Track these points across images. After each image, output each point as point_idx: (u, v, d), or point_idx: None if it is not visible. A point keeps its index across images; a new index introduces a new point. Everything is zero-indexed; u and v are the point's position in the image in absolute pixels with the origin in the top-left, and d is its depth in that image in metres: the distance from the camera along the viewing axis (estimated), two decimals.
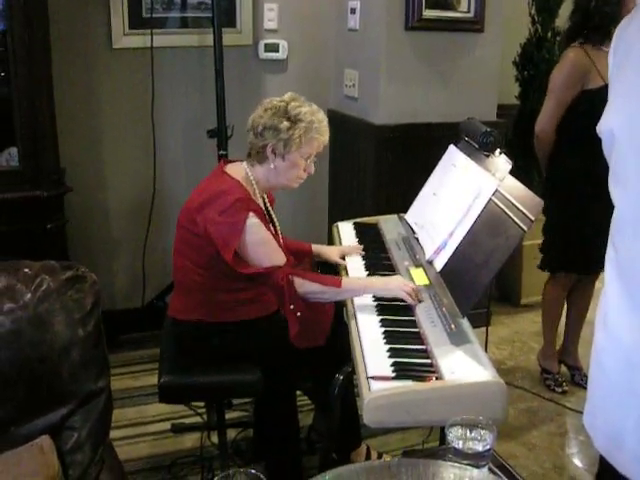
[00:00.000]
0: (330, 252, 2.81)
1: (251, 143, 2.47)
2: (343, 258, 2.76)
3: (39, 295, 1.71)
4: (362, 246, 2.82)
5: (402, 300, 2.27)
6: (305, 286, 2.34)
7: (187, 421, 3.14)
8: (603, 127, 1.32)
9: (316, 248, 2.85)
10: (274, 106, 2.43)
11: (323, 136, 2.47)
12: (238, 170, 2.51)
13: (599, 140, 1.37)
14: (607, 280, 1.34)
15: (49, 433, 1.68)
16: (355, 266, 2.68)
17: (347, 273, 2.63)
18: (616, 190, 1.31)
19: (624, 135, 1.26)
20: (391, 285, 2.35)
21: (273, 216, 2.64)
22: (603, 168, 1.38)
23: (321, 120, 2.45)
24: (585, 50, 3.14)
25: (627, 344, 1.25)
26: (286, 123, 2.39)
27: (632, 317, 1.24)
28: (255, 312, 2.51)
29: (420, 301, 2.28)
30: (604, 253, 1.36)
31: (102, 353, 1.83)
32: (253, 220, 2.33)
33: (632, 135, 1.23)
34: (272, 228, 2.55)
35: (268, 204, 2.64)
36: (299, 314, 2.33)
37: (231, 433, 3.00)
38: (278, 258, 2.39)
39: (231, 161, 2.60)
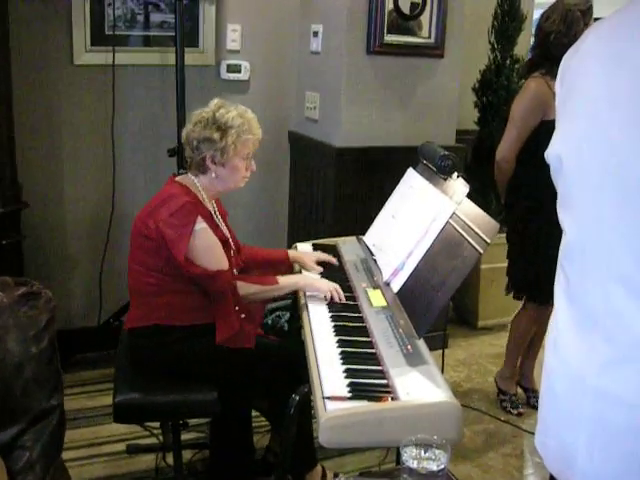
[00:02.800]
0: (307, 259, 2.87)
1: (190, 157, 2.56)
2: (319, 264, 2.83)
3: None
4: (322, 268, 2.82)
5: (360, 320, 2.29)
6: (245, 288, 2.50)
7: (142, 442, 3.10)
8: (551, 153, 1.34)
9: (292, 254, 2.92)
10: (202, 118, 2.51)
11: (256, 134, 2.55)
12: (186, 179, 2.59)
13: None
14: (557, 305, 1.35)
15: None
16: None
17: None
18: (564, 216, 1.33)
19: (571, 162, 1.28)
20: (317, 284, 2.55)
21: (222, 222, 2.68)
22: None
23: (250, 119, 2.53)
24: (546, 81, 3.16)
25: (576, 367, 1.27)
26: (217, 133, 2.46)
27: (581, 341, 1.26)
28: (208, 317, 2.51)
29: (334, 298, 2.47)
30: None
31: (56, 370, 1.80)
32: (201, 225, 2.42)
33: (579, 162, 1.25)
34: (224, 232, 2.63)
35: (217, 212, 2.68)
36: (243, 315, 2.48)
37: (187, 454, 2.97)
38: (222, 263, 2.47)
39: (179, 174, 2.68)
